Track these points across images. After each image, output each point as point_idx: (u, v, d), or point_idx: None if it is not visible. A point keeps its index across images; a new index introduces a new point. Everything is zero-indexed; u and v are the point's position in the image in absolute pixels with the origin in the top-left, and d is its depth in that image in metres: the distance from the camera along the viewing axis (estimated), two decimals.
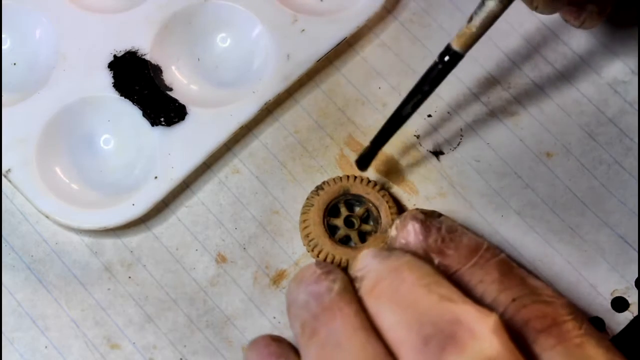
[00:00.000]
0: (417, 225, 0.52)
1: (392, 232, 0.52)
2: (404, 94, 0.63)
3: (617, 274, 0.59)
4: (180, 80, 0.63)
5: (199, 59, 0.63)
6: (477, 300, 0.48)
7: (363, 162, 0.58)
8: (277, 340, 0.50)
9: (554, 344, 0.46)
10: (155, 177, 0.60)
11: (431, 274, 0.47)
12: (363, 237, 0.59)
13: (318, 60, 0.62)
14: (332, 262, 0.58)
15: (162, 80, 0.62)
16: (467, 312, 0.45)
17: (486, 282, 0.49)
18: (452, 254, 0.50)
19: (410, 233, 0.51)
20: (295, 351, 0.49)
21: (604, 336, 0.47)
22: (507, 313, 0.48)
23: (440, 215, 0.53)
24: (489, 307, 0.48)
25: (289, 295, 0.49)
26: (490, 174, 0.62)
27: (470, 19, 0.53)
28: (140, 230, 0.60)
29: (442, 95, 0.63)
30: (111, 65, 0.62)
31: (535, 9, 0.56)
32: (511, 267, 0.50)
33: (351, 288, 0.48)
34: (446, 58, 0.54)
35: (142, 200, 0.59)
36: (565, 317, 0.48)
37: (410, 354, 0.44)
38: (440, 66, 0.54)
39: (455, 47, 0.54)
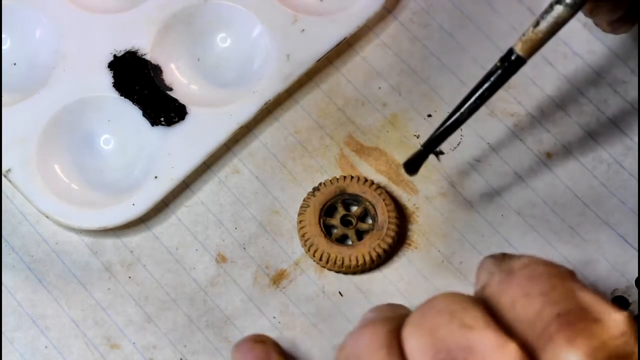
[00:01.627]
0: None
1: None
2: (404, 93, 0.63)
3: (617, 274, 0.59)
4: (180, 80, 0.63)
5: (199, 59, 0.63)
6: (517, 316, 0.46)
7: (412, 166, 0.56)
8: (261, 341, 0.49)
9: None
10: (155, 177, 0.60)
11: (461, 301, 0.45)
12: (361, 235, 0.60)
13: (318, 60, 0.62)
14: (327, 261, 0.58)
15: (162, 80, 0.62)
16: (484, 340, 0.43)
17: (532, 295, 0.47)
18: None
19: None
20: (280, 350, 0.49)
21: None
22: (550, 329, 0.45)
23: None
24: (522, 329, 0.46)
25: None
26: (490, 174, 0.62)
27: (537, 24, 0.51)
28: (140, 230, 0.60)
29: (442, 95, 0.63)
30: (111, 65, 0.62)
31: (592, 16, 0.56)
32: (564, 279, 0.46)
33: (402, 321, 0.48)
34: (507, 63, 0.52)
35: (142, 200, 0.59)
36: (615, 341, 0.43)
37: None
38: (500, 71, 0.52)
39: (520, 52, 0.52)
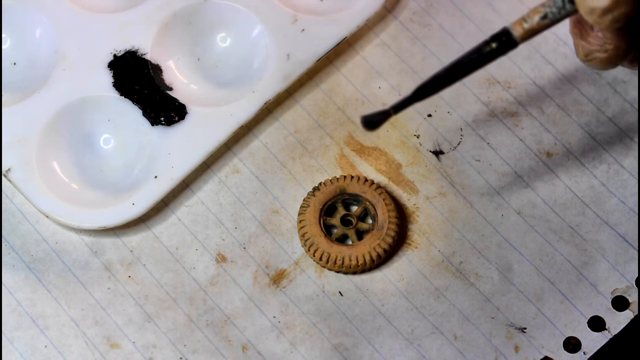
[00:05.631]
0: None
1: None
2: (404, 93, 0.63)
3: (618, 273, 0.59)
4: (180, 79, 0.63)
5: (199, 59, 0.63)
6: None
7: (372, 123, 0.53)
8: None
9: None
10: (155, 177, 0.60)
11: None
12: (361, 235, 0.60)
13: (318, 60, 0.62)
14: (327, 260, 0.58)
15: (162, 80, 0.62)
16: None
17: None
18: None
19: None
20: None
21: None
22: None
23: None
24: None
25: None
26: (490, 174, 0.62)
27: (545, 16, 0.51)
28: (140, 230, 0.60)
29: (442, 95, 0.63)
30: (111, 65, 0.62)
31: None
32: None
33: None
34: (496, 44, 0.51)
35: (142, 200, 0.59)
36: None
37: None
38: (488, 49, 0.52)
39: (517, 36, 0.51)
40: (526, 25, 0.51)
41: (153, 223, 0.60)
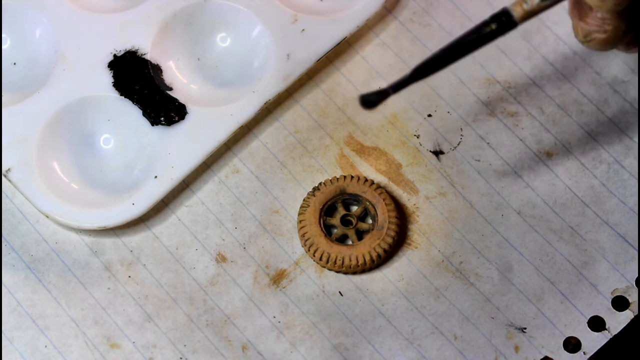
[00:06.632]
0: None
1: None
2: (404, 93, 0.63)
3: (618, 273, 0.59)
4: (180, 79, 0.63)
5: (199, 59, 0.63)
6: None
7: (371, 102, 0.53)
8: None
9: None
10: (155, 177, 0.60)
11: None
12: (361, 235, 0.60)
13: (318, 60, 0.62)
14: (327, 260, 0.58)
15: (162, 80, 0.62)
16: None
17: None
18: None
19: None
20: None
21: None
22: None
23: None
24: None
25: None
26: (490, 174, 0.62)
27: None
28: (140, 230, 0.60)
29: (442, 95, 0.63)
30: (111, 65, 0.62)
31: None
32: None
33: None
34: (496, 24, 0.51)
35: (142, 200, 0.59)
36: None
37: None
38: (487, 29, 0.51)
39: (516, 16, 0.51)
40: (526, 6, 0.52)
41: (153, 223, 0.60)
